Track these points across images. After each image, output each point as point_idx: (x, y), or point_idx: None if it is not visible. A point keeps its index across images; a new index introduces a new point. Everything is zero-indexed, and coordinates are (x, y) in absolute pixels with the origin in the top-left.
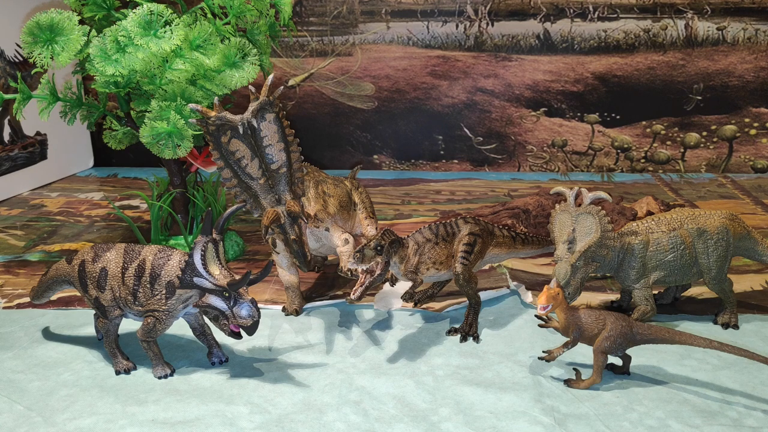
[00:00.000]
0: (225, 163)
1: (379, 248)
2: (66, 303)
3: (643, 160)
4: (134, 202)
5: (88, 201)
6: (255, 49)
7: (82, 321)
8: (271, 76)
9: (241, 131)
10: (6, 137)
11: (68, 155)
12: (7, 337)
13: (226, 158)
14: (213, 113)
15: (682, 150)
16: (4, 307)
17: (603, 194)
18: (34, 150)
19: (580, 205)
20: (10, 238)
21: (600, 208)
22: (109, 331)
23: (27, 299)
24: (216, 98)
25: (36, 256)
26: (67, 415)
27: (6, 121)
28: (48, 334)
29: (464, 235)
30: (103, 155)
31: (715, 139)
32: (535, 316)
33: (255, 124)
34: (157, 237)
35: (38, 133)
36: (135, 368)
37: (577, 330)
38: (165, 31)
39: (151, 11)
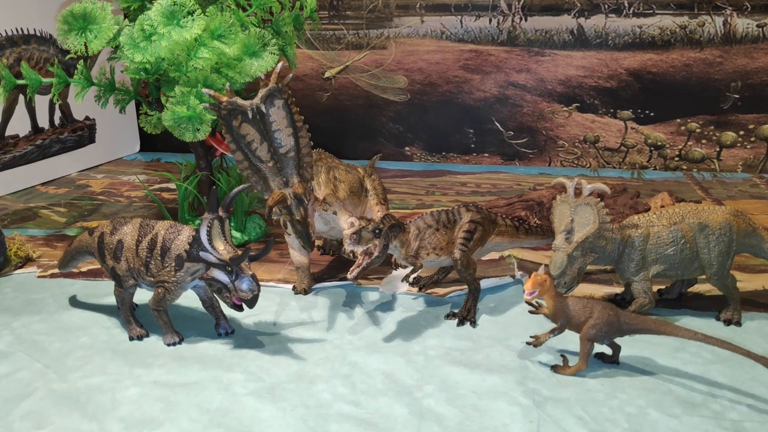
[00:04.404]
0: (236, 146)
1: (377, 231)
2: (95, 275)
3: (677, 159)
4: (172, 185)
5: (129, 183)
6: (274, 39)
7: (107, 291)
8: (279, 64)
9: (250, 116)
10: (57, 121)
11: (116, 139)
12: (37, 302)
13: (237, 141)
14: (225, 98)
15: (717, 149)
16: (39, 276)
17: (602, 186)
18: (83, 134)
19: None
20: (54, 215)
21: (599, 199)
22: (123, 299)
23: None
24: (228, 84)
25: (74, 231)
26: (80, 373)
27: (57, 106)
28: (74, 302)
29: (465, 222)
30: (149, 140)
31: (752, 139)
32: (525, 301)
33: (263, 110)
34: (183, 216)
35: (87, 118)
36: (147, 335)
37: (565, 317)
38: (187, 21)
39: (174, 2)
